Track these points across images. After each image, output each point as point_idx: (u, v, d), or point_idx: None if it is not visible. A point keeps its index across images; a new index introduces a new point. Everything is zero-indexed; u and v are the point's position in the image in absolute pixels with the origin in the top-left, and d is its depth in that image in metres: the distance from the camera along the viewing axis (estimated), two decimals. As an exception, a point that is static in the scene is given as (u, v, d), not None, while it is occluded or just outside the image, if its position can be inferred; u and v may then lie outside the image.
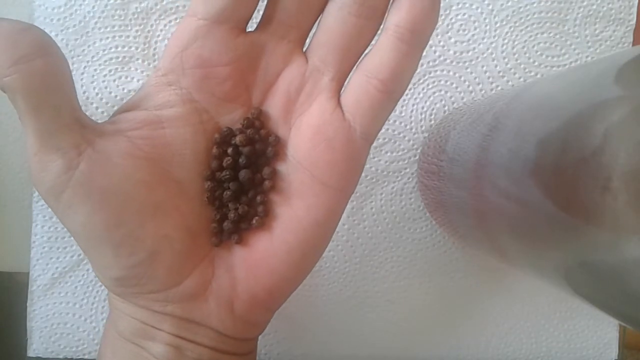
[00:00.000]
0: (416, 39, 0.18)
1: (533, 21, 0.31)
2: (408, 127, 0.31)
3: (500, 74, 0.31)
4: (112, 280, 0.19)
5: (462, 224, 0.24)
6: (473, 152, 0.21)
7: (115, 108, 0.20)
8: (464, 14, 0.31)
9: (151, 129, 0.19)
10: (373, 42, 0.19)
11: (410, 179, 0.31)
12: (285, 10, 0.19)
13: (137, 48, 0.30)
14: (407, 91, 0.31)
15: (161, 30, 0.30)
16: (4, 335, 0.32)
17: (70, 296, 0.31)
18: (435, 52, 0.31)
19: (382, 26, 0.19)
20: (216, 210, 0.20)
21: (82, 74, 0.30)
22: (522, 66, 0.31)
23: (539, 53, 0.31)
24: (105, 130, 0.18)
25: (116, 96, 0.30)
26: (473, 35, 0.31)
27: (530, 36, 0.31)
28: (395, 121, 0.31)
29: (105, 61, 0.30)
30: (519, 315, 0.32)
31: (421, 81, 0.31)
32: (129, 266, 0.18)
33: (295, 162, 0.20)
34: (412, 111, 0.31)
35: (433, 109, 0.31)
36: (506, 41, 0.31)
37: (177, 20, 0.31)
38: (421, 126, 0.31)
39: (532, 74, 0.31)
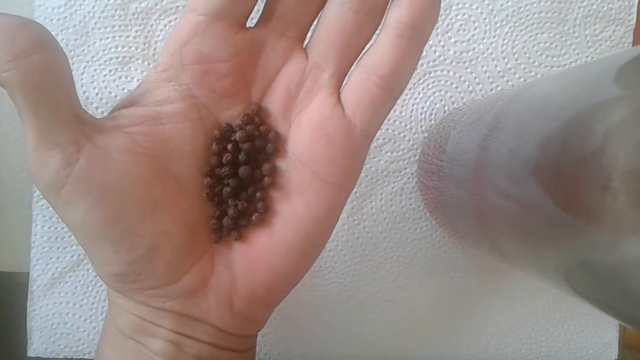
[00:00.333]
0: (417, 35, 0.18)
1: (533, 21, 0.31)
2: (408, 127, 0.31)
3: (500, 74, 0.31)
4: (111, 276, 0.19)
5: (462, 224, 0.24)
6: (473, 152, 0.21)
7: (113, 107, 0.20)
8: (464, 14, 0.31)
9: (150, 124, 0.19)
10: (373, 39, 0.19)
11: (410, 179, 0.31)
12: (285, 6, 0.19)
13: (137, 48, 0.30)
14: (407, 91, 0.31)
15: (161, 30, 0.30)
16: (4, 335, 0.32)
17: (70, 296, 0.31)
18: (435, 52, 0.31)
19: (382, 23, 0.19)
20: (215, 207, 0.20)
21: (82, 74, 0.30)
22: (522, 66, 0.31)
23: (539, 53, 0.31)
24: (105, 126, 0.18)
25: (116, 96, 0.30)
26: (473, 35, 0.31)
27: (530, 36, 0.31)
28: (395, 121, 0.31)
29: (105, 61, 0.30)
30: (519, 315, 0.32)
31: (421, 81, 0.31)
32: (128, 262, 0.18)
33: (295, 159, 0.20)
34: (412, 111, 0.31)
35: (433, 109, 0.31)
36: (506, 41, 0.31)
37: (177, 20, 0.30)
38: (421, 126, 0.31)
39: (532, 74, 0.31)
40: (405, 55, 0.18)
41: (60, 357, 0.31)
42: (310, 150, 0.19)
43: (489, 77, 0.31)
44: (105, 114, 0.30)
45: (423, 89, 0.31)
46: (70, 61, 0.30)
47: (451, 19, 0.31)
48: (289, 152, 0.20)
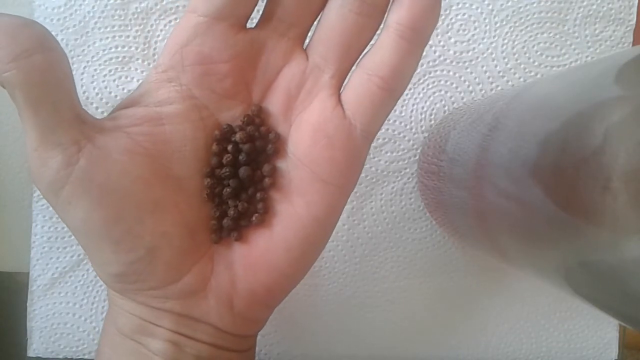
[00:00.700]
0: (417, 36, 0.18)
1: (533, 21, 0.31)
2: (408, 127, 0.31)
3: (500, 74, 0.31)
4: (111, 277, 0.19)
5: (462, 224, 0.24)
6: (473, 152, 0.21)
7: (114, 108, 0.20)
8: (464, 14, 0.31)
9: (151, 125, 0.19)
10: (373, 40, 0.19)
11: (410, 179, 0.31)
12: (285, 7, 0.19)
13: (137, 48, 0.30)
14: (407, 91, 0.31)
15: (161, 30, 0.30)
16: (4, 335, 0.32)
17: (70, 296, 0.31)
18: (435, 52, 0.31)
19: (382, 24, 0.19)
20: (216, 207, 0.20)
21: (82, 74, 0.30)
22: (522, 66, 0.31)
23: (539, 53, 0.31)
24: (105, 127, 0.18)
25: (116, 96, 0.30)
26: (473, 35, 0.31)
27: (530, 36, 0.31)
28: (395, 121, 0.31)
29: (105, 61, 0.30)
30: (519, 315, 0.32)
31: (421, 81, 0.31)
32: (127, 262, 0.18)
33: (295, 160, 0.20)
34: (412, 111, 0.31)
35: (433, 109, 0.31)
36: (506, 41, 0.31)
37: (177, 20, 0.30)
38: (421, 126, 0.31)
39: (532, 74, 0.31)
40: (405, 57, 0.18)
41: (60, 357, 0.31)
42: (310, 151, 0.19)
43: (489, 77, 0.31)
44: (105, 114, 0.30)
45: (423, 89, 0.31)
46: (70, 61, 0.30)
47: (451, 19, 0.31)
48: (289, 153, 0.20)
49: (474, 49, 0.31)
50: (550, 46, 0.31)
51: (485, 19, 0.31)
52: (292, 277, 0.21)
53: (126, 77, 0.30)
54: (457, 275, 0.32)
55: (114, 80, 0.30)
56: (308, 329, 0.32)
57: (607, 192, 0.13)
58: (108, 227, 0.18)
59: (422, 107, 0.31)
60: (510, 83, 0.31)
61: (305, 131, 0.19)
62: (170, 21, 0.30)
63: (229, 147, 0.20)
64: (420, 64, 0.31)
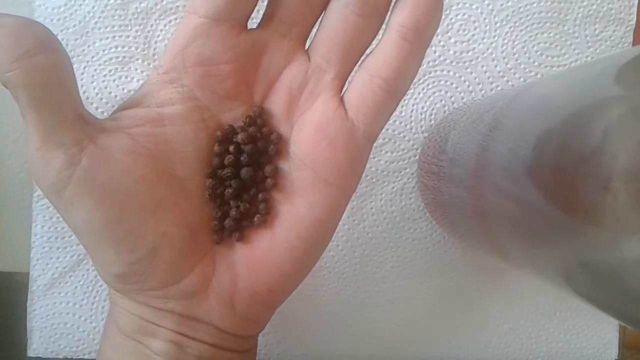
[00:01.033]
0: (420, 38, 0.18)
1: (533, 21, 0.31)
2: (408, 127, 0.31)
3: (500, 74, 0.31)
4: (112, 277, 0.19)
5: (462, 224, 0.24)
6: (473, 152, 0.21)
7: (115, 108, 0.20)
8: (464, 14, 0.31)
9: (153, 126, 0.19)
10: (375, 41, 0.19)
11: (410, 179, 0.31)
12: (286, 7, 0.19)
13: (137, 48, 0.30)
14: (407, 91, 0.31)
15: (161, 30, 0.30)
16: (4, 335, 0.32)
17: (70, 296, 0.31)
18: (435, 52, 0.31)
19: (384, 25, 0.19)
20: (217, 208, 0.20)
21: (82, 74, 0.30)
22: (522, 66, 0.31)
23: (539, 53, 0.31)
24: (107, 127, 0.19)
25: (116, 96, 0.30)
26: (473, 35, 0.31)
27: (530, 36, 0.31)
28: (395, 121, 0.31)
29: (105, 61, 0.30)
30: (519, 315, 0.32)
31: (421, 81, 0.31)
32: (129, 263, 0.18)
33: (297, 160, 0.20)
34: (412, 111, 0.31)
35: (433, 109, 0.31)
36: (506, 41, 0.31)
37: (177, 20, 0.30)
38: (421, 126, 0.31)
39: (532, 74, 0.31)
40: (408, 58, 0.18)
41: (60, 357, 0.31)
42: (312, 152, 0.19)
43: (489, 77, 0.31)
44: (105, 114, 0.30)
45: (423, 89, 0.31)
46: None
47: (451, 19, 0.31)
48: (291, 153, 0.20)
49: (474, 49, 0.31)
50: (550, 46, 0.31)
51: (485, 19, 0.31)
52: (294, 278, 0.21)
53: (126, 77, 0.30)
54: (457, 275, 0.32)
55: (114, 80, 0.30)
56: (308, 329, 0.32)
57: (607, 192, 0.13)
58: (110, 227, 0.18)
59: (422, 107, 0.31)
60: (510, 83, 0.31)
61: (308, 132, 0.19)
62: (170, 21, 0.30)
63: (231, 148, 0.20)
64: (420, 64, 0.31)
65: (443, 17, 0.31)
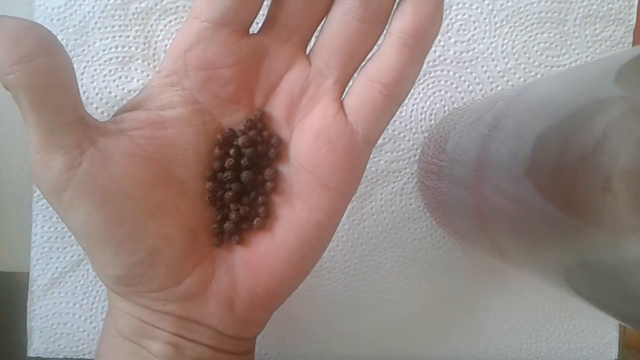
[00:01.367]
0: (420, 44, 0.18)
1: (533, 21, 0.31)
2: (408, 127, 0.31)
3: (500, 74, 0.31)
4: (112, 279, 0.19)
5: (462, 224, 0.24)
6: (473, 152, 0.21)
7: (116, 108, 0.20)
8: (464, 14, 0.31)
9: (153, 129, 0.19)
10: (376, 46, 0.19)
11: (410, 179, 0.31)
12: (288, 13, 0.19)
13: (137, 48, 0.30)
14: (407, 91, 0.31)
15: (161, 30, 0.30)
16: (4, 335, 0.32)
17: (70, 296, 0.31)
18: (435, 52, 0.31)
19: (385, 31, 0.19)
20: (217, 211, 0.20)
21: (82, 74, 0.30)
22: (522, 66, 0.31)
23: (539, 53, 0.31)
24: (108, 129, 0.18)
25: (116, 96, 0.30)
26: (473, 35, 0.31)
27: (530, 36, 0.31)
28: (395, 121, 0.31)
29: (105, 61, 0.30)
30: (519, 315, 0.32)
31: (421, 81, 0.31)
32: (129, 265, 0.18)
33: (297, 164, 0.20)
34: (412, 111, 0.31)
35: (433, 109, 0.31)
36: (506, 41, 0.31)
37: (177, 20, 0.30)
38: (421, 126, 0.31)
39: (532, 74, 0.31)
40: (408, 64, 0.18)
41: (60, 357, 0.31)
42: (312, 156, 0.19)
43: (489, 77, 0.31)
44: (105, 114, 0.30)
45: (423, 89, 0.31)
46: (70, 61, 0.30)
47: (451, 19, 0.31)
48: (291, 157, 0.20)
49: (474, 49, 0.31)
50: (550, 46, 0.31)
51: (485, 19, 0.31)
52: (293, 280, 0.21)
53: (126, 77, 0.30)
54: (457, 275, 0.32)
55: (114, 80, 0.30)
56: (308, 329, 0.32)
57: (607, 192, 0.13)
58: (110, 229, 0.18)
59: (422, 107, 0.31)
60: (510, 83, 0.31)
61: (308, 136, 0.19)
62: (170, 21, 0.30)
63: (231, 151, 0.20)
64: (420, 64, 0.31)
65: (443, 17, 0.31)
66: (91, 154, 0.18)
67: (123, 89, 0.30)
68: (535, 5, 0.31)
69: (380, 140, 0.31)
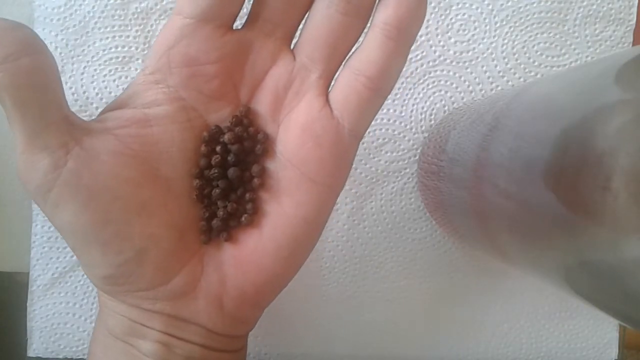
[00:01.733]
0: (403, 36, 0.18)
1: (533, 21, 0.31)
2: (408, 127, 0.31)
3: (500, 74, 0.31)
4: (100, 279, 0.19)
5: (462, 224, 0.24)
6: (473, 152, 0.21)
7: (102, 110, 0.20)
8: (464, 14, 0.31)
9: (139, 127, 0.19)
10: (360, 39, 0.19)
11: (410, 179, 0.31)
12: (271, 8, 0.19)
13: (137, 48, 0.30)
14: (407, 91, 0.31)
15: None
16: (4, 335, 0.32)
17: (70, 296, 0.31)
18: (435, 52, 0.31)
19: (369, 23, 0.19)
20: (205, 208, 0.20)
21: (82, 74, 0.30)
22: (522, 66, 0.31)
23: (539, 53, 0.31)
24: (93, 129, 0.18)
25: (116, 96, 0.30)
26: (473, 35, 0.31)
27: (530, 36, 0.31)
28: (395, 121, 0.31)
29: (105, 61, 0.30)
30: (519, 315, 0.32)
31: (421, 81, 0.31)
32: (116, 264, 0.18)
33: (284, 160, 0.20)
34: (412, 111, 0.31)
35: (433, 109, 0.31)
36: (506, 41, 0.31)
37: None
38: (421, 126, 0.31)
39: (532, 74, 0.31)
40: (392, 56, 0.18)
41: (60, 357, 0.31)
42: (298, 151, 0.19)
43: (489, 77, 0.31)
44: (105, 114, 0.30)
45: (423, 89, 0.31)
46: (70, 61, 0.30)
47: (451, 19, 0.31)
48: (278, 153, 0.20)
49: (474, 49, 0.31)
50: (550, 46, 0.31)
51: (485, 19, 0.31)
52: (282, 277, 0.21)
53: (126, 77, 0.30)
54: (457, 275, 0.32)
55: (114, 80, 0.30)
56: (308, 329, 0.32)
57: (607, 192, 0.13)
58: (96, 229, 0.18)
59: (422, 107, 0.31)
60: (510, 83, 0.31)
61: (294, 131, 0.19)
62: (170, 21, 0.30)
63: (218, 148, 0.20)
64: (420, 63, 0.31)
65: (443, 17, 0.31)
66: (76, 153, 0.17)
67: (123, 89, 0.30)
68: (535, 5, 0.31)
69: (380, 140, 0.31)
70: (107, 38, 0.30)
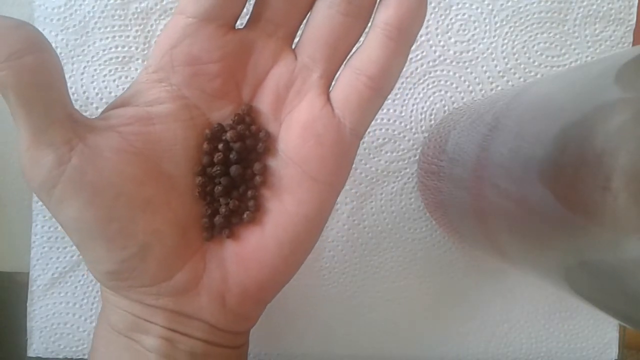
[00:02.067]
0: (404, 36, 0.18)
1: (533, 21, 0.31)
2: (408, 127, 0.31)
3: (500, 74, 0.31)
4: (104, 274, 0.19)
5: (462, 224, 0.24)
6: (473, 152, 0.21)
7: (105, 107, 0.20)
8: (464, 14, 0.31)
9: (142, 124, 0.19)
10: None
11: (410, 179, 0.31)
12: (273, 7, 0.19)
13: (137, 48, 0.30)
14: (407, 91, 0.31)
15: (161, 30, 0.30)
16: (4, 335, 0.32)
17: (70, 296, 0.31)
18: (435, 52, 0.31)
19: (370, 23, 0.19)
20: (207, 205, 0.20)
21: (82, 74, 0.30)
22: (522, 66, 0.31)
23: (539, 53, 0.31)
24: (97, 126, 0.19)
25: (116, 96, 0.30)
26: (473, 35, 0.31)
27: (530, 36, 0.31)
28: (395, 121, 0.31)
29: (105, 61, 0.30)
30: (519, 315, 0.32)
31: (421, 81, 0.31)
32: (120, 260, 0.19)
33: (285, 158, 0.20)
34: (412, 111, 0.31)
35: (433, 109, 0.31)
36: (506, 41, 0.31)
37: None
38: (421, 126, 0.31)
39: (532, 74, 0.31)
40: (393, 56, 0.18)
41: (60, 357, 0.31)
42: (300, 150, 0.19)
43: (489, 77, 0.31)
44: (105, 114, 0.30)
45: (423, 89, 0.31)
46: (70, 61, 0.30)
47: (451, 19, 0.31)
48: (280, 151, 0.20)
49: (474, 49, 0.31)
50: (550, 46, 0.31)
51: (485, 19, 0.31)
52: (284, 274, 0.21)
53: (126, 77, 0.30)
54: (457, 275, 0.32)
55: (114, 80, 0.30)
56: (308, 329, 0.32)
57: (607, 192, 0.13)
58: (100, 225, 0.18)
59: (422, 107, 0.31)
60: (510, 83, 0.31)
61: (295, 130, 0.19)
62: (170, 21, 0.30)
63: (220, 146, 0.20)
64: (420, 63, 0.31)
65: (443, 17, 0.31)
66: (80, 150, 0.18)
67: (123, 89, 0.30)
68: (535, 5, 0.31)
69: (380, 140, 0.31)
70: (107, 38, 0.30)
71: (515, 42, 0.31)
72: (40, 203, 0.30)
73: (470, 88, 0.31)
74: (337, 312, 0.32)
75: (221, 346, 0.21)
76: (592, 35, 0.31)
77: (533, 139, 0.17)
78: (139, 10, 0.30)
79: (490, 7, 0.31)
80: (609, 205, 0.13)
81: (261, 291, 0.21)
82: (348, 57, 0.19)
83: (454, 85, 0.31)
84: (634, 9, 0.31)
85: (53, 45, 0.30)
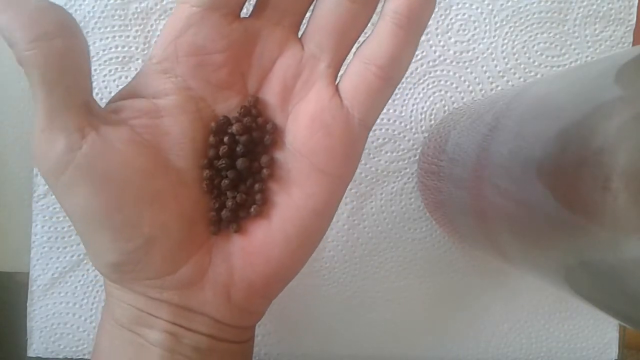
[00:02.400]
0: (414, 24, 0.18)
1: (533, 21, 0.31)
2: (408, 127, 0.31)
3: (500, 74, 0.31)
4: (108, 266, 0.19)
5: (462, 224, 0.24)
6: (473, 152, 0.21)
7: (112, 97, 0.20)
8: (464, 14, 0.31)
9: (150, 117, 0.19)
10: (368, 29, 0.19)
11: (410, 179, 0.31)
12: None
13: (137, 48, 0.30)
14: (407, 91, 0.31)
15: (161, 30, 0.30)
16: (4, 335, 0.32)
17: (70, 296, 0.31)
18: (435, 52, 0.31)
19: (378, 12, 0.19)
20: (214, 199, 0.20)
21: (82, 74, 0.30)
22: (522, 66, 0.31)
23: (539, 53, 0.31)
24: (110, 117, 0.19)
25: (116, 96, 0.30)
26: (473, 35, 0.31)
27: (530, 36, 0.31)
28: (395, 121, 0.31)
29: (105, 61, 0.30)
30: (519, 315, 0.32)
31: (421, 81, 0.31)
32: (126, 251, 0.18)
33: (293, 150, 0.19)
34: (412, 111, 0.31)
35: (433, 109, 0.31)
36: (506, 41, 0.31)
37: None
38: (421, 126, 0.31)
39: (532, 74, 0.31)
40: (402, 45, 0.18)
41: (60, 357, 0.31)
42: (308, 141, 0.19)
43: (489, 77, 0.31)
44: (105, 114, 0.30)
45: (423, 89, 0.31)
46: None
47: (451, 19, 0.31)
48: (287, 143, 0.20)
49: (474, 49, 0.31)
50: (550, 46, 0.31)
51: (485, 19, 0.31)
52: (290, 268, 0.21)
53: (126, 77, 0.30)
54: (457, 275, 0.32)
55: (114, 80, 0.30)
56: (308, 329, 0.32)
57: (607, 192, 0.13)
58: (107, 215, 0.18)
59: (422, 107, 0.31)
60: (510, 83, 0.31)
61: (303, 121, 0.19)
62: (170, 21, 0.30)
63: (226, 139, 0.20)
64: (420, 63, 0.31)
65: (443, 17, 0.31)
66: (92, 139, 0.18)
67: (123, 89, 0.30)
68: (535, 5, 0.31)
69: (380, 140, 0.31)
70: (107, 38, 0.30)
71: (515, 42, 0.31)
72: (40, 203, 0.30)
73: (470, 88, 0.31)
74: (337, 312, 0.32)
75: (226, 341, 0.21)
76: (592, 35, 0.31)
77: (533, 139, 0.17)
78: (139, 10, 0.30)
79: (490, 7, 0.31)
80: (609, 205, 0.13)
81: (267, 286, 0.20)
82: (356, 47, 0.19)
83: (454, 85, 0.31)
84: (634, 9, 0.31)
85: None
